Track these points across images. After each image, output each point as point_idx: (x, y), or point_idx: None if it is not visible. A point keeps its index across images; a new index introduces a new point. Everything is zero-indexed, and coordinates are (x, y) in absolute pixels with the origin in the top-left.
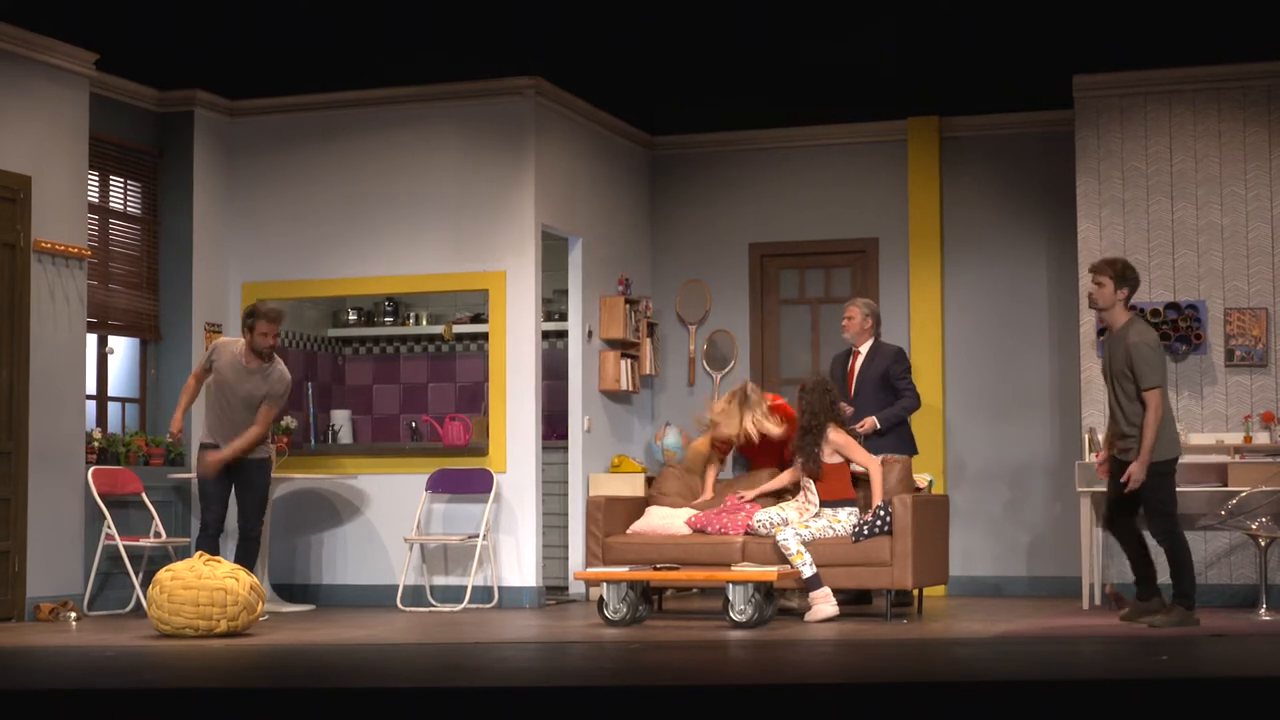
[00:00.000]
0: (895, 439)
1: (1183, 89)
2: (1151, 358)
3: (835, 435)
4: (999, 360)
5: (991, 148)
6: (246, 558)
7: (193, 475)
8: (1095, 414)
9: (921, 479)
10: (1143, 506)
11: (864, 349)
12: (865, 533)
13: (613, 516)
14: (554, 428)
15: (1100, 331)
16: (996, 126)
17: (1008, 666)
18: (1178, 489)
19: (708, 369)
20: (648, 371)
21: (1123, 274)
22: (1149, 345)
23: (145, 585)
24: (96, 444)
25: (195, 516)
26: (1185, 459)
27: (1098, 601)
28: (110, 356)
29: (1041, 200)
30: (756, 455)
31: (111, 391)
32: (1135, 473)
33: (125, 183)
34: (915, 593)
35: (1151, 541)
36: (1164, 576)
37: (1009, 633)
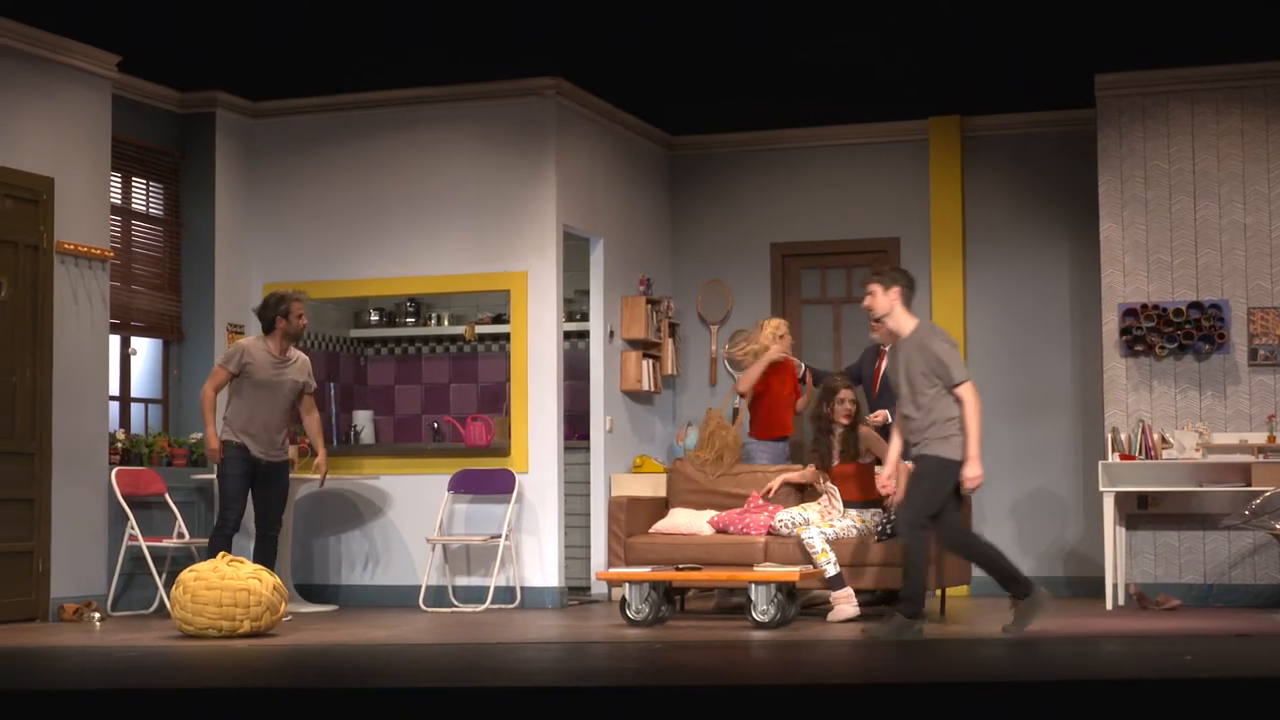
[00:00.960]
0: None
1: (1205, 87)
2: (956, 355)
3: (866, 433)
4: (1021, 360)
5: (1013, 147)
6: (265, 557)
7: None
8: (1118, 414)
9: None
10: (908, 495)
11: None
12: (889, 533)
13: (635, 517)
14: (576, 428)
15: (1124, 330)
16: (1018, 126)
17: (1030, 667)
18: (1200, 489)
19: (729, 369)
20: (669, 371)
21: (892, 276)
22: (951, 343)
23: (168, 586)
24: (119, 445)
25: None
26: (1210, 459)
27: (1121, 602)
28: (133, 357)
29: (1063, 200)
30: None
31: (134, 392)
32: (974, 471)
33: (147, 184)
34: (938, 593)
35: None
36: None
37: (1031, 633)
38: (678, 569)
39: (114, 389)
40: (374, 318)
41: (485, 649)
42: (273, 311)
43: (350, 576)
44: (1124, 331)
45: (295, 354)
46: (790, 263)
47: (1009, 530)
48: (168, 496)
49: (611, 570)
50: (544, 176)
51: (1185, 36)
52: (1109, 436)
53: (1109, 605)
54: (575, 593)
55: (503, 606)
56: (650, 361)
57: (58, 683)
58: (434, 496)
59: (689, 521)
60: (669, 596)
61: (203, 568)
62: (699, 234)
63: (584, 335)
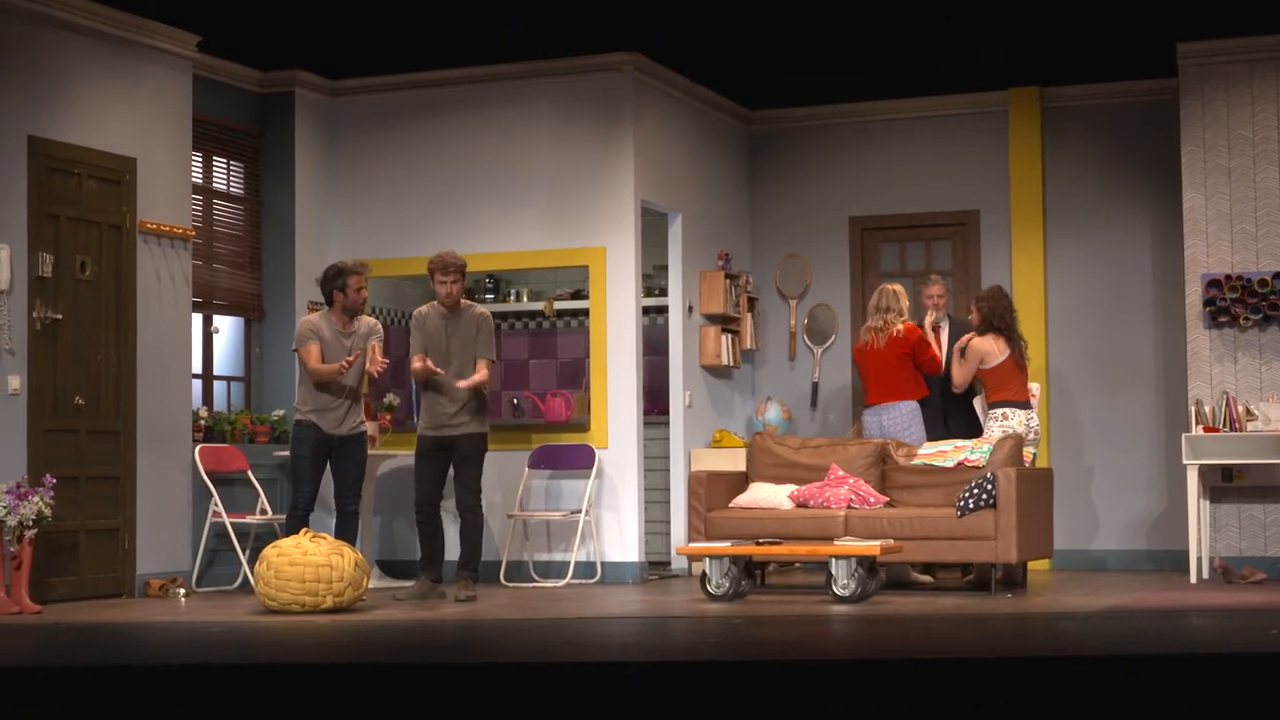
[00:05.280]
0: (966, 423)
1: None
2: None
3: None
4: (1103, 332)
5: (1094, 118)
6: (347, 533)
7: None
8: (1202, 386)
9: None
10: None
11: (944, 326)
12: (970, 506)
13: (714, 491)
14: (655, 403)
15: (1208, 302)
16: (1099, 96)
17: (1114, 641)
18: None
19: (808, 343)
20: (748, 346)
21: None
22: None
23: (252, 562)
24: (203, 422)
25: None
26: None
27: (1206, 575)
28: (215, 335)
29: (1145, 170)
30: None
31: (217, 370)
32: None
33: (228, 163)
34: (1020, 567)
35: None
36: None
37: (1114, 607)
38: (758, 543)
39: (197, 367)
40: None
41: (566, 624)
42: (330, 285)
43: None
44: (1207, 303)
45: (364, 322)
46: (869, 236)
47: (1091, 503)
48: (250, 473)
49: (691, 545)
50: (622, 152)
51: (1269, 3)
52: (1192, 409)
53: (1193, 579)
54: (655, 568)
55: (583, 581)
56: (729, 336)
57: (144, 658)
58: (514, 472)
59: (769, 496)
60: (749, 571)
61: (286, 544)
62: (777, 208)
63: (663, 310)
